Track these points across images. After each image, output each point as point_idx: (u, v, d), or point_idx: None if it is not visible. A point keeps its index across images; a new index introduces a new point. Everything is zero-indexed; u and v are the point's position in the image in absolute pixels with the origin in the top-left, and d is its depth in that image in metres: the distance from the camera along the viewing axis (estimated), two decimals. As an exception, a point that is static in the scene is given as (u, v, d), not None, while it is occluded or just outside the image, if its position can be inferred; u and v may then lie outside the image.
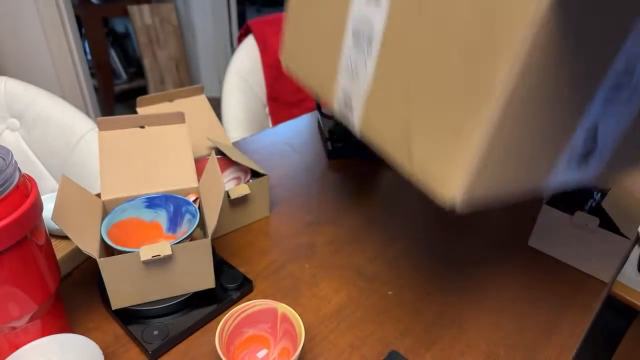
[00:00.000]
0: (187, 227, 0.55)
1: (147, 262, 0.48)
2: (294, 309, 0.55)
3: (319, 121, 1.03)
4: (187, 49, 3.01)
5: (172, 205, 0.57)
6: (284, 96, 1.38)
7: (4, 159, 0.40)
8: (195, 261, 0.51)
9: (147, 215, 0.57)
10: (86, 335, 0.44)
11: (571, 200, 0.69)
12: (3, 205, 0.37)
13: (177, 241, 0.49)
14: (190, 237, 0.53)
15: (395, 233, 0.70)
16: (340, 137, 0.93)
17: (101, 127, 0.58)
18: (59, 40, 1.85)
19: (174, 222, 0.57)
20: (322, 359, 0.50)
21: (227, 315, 0.46)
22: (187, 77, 3.03)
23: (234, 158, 0.68)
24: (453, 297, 0.58)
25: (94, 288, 0.57)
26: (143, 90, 3.03)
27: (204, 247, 0.50)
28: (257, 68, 1.29)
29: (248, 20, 1.34)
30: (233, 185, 0.70)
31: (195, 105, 0.74)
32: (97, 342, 0.43)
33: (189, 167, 0.61)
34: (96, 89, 2.57)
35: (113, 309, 0.50)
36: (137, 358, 0.49)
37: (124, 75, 3.04)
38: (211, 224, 0.50)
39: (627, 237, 0.58)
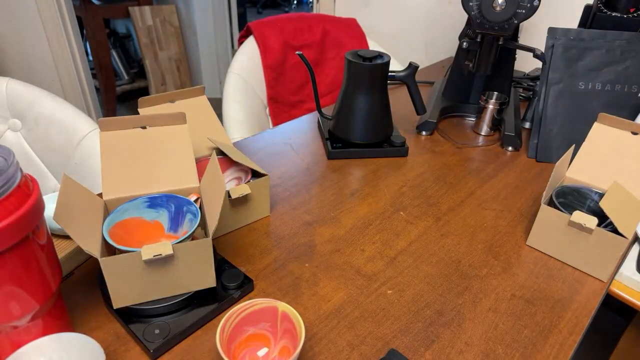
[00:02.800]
0: (188, 226, 0.55)
1: (148, 262, 0.48)
2: (294, 307, 0.55)
3: (319, 121, 1.03)
4: (188, 50, 3.02)
5: (174, 205, 0.57)
6: (284, 97, 1.38)
7: (5, 159, 0.40)
8: (196, 260, 0.51)
9: (149, 215, 0.57)
10: (87, 335, 0.44)
11: (569, 199, 0.70)
12: (5, 205, 0.38)
13: (178, 241, 0.49)
14: (192, 237, 0.53)
15: (394, 232, 0.70)
16: (340, 138, 0.93)
17: (102, 128, 0.59)
18: (61, 41, 1.85)
19: (175, 222, 0.58)
20: (322, 357, 0.50)
21: (227, 314, 0.47)
22: (188, 78, 3.04)
23: (234, 158, 0.68)
24: (452, 296, 0.59)
25: (95, 287, 0.57)
26: (144, 91, 3.04)
27: (205, 246, 0.50)
28: (258, 69, 1.29)
29: (249, 21, 1.34)
30: (234, 185, 0.70)
31: (196, 106, 0.75)
32: (98, 341, 0.43)
33: (190, 167, 0.61)
34: (97, 90, 2.58)
35: (114, 308, 0.50)
36: (139, 357, 0.49)
37: (125, 76, 3.05)
38: (212, 224, 0.50)
39: (625, 237, 0.58)
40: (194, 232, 0.52)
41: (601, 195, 0.67)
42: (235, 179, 0.74)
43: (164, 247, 0.48)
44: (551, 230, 0.64)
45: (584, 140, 0.72)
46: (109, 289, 0.49)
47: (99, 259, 0.46)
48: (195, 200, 0.58)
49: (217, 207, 0.50)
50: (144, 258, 0.47)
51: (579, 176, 0.71)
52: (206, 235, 0.56)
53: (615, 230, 0.59)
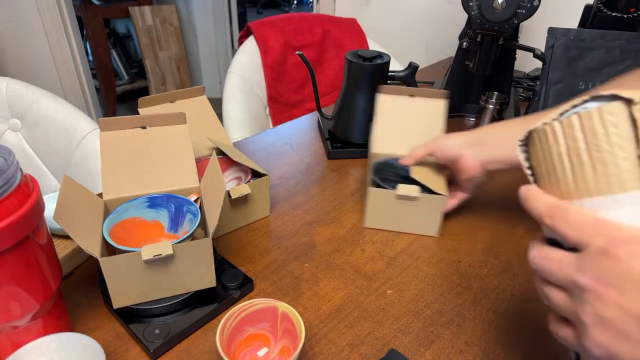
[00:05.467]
0: (188, 226, 0.55)
1: (148, 262, 0.48)
2: (294, 307, 0.55)
3: (319, 121, 1.03)
4: (188, 50, 3.02)
5: (174, 205, 0.57)
6: (285, 97, 1.38)
7: (5, 159, 0.40)
8: (196, 260, 0.51)
9: (149, 214, 0.57)
10: (88, 334, 0.44)
11: (385, 174, 0.71)
12: (5, 205, 0.38)
13: (178, 240, 0.49)
14: (192, 237, 0.53)
15: (394, 233, 0.70)
16: (340, 138, 0.93)
17: (102, 128, 0.59)
18: (61, 41, 1.85)
19: (175, 222, 0.58)
20: (322, 357, 0.50)
21: (227, 314, 0.47)
22: (188, 77, 3.04)
23: (234, 158, 0.68)
24: (452, 296, 0.59)
25: (96, 287, 0.57)
26: (144, 91, 3.04)
27: (204, 246, 0.50)
28: (258, 69, 1.29)
29: (249, 21, 1.34)
30: (234, 185, 0.70)
31: (196, 106, 0.75)
32: (98, 341, 0.43)
33: (190, 167, 0.61)
34: (97, 90, 2.58)
35: (114, 308, 0.50)
36: (139, 357, 0.49)
37: (125, 76, 3.05)
38: (212, 224, 0.50)
39: (444, 195, 0.67)
40: (194, 232, 0.52)
41: None
42: (235, 179, 0.74)
43: (164, 247, 0.48)
44: (383, 207, 0.69)
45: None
46: (109, 289, 0.49)
47: (99, 259, 0.46)
48: (195, 200, 0.58)
49: (217, 207, 0.50)
50: (144, 258, 0.47)
51: (382, 149, 0.76)
52: (206, 235, 0.55)
53: (431, 191, 0.67)
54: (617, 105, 0.27)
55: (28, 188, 0.41)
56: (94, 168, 0.90)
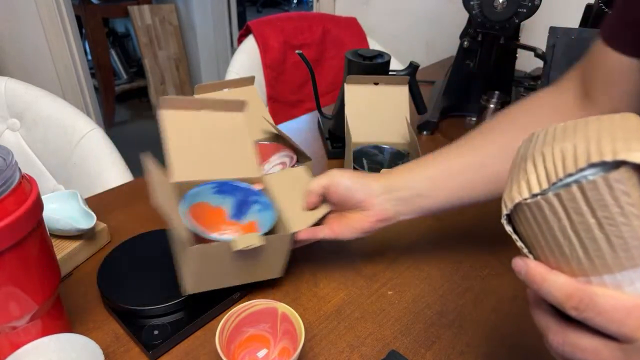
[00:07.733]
0: (253, 217, 0.57)
1: (236, 252, 0.49)
2: (294, 308, 0.55)
3: (319, 121, 1.03)
4: (187, 49, 3.02)
5: (240, 194, 0.58)
6: (284, 96, 1.38)
7: (4, 159, 0.40)
8: (275, 252, 0.53)
9: (214, 200, 0.57)
10: (86, 335, 0.44)
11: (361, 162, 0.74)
12: (3, 205, 0.38)
13: (262, 233, 0.51)
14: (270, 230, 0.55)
15: (395, 233, 0.70)
16: (340, 137, 0.93)
17: (163, 106, 0.57)
18: (60, 41, 1.85)
19: (239, 211, 0.58)
20: (322, 358, 0.50)
21: (227, 314, 0.46)
22: (187, 77, 3.03)
23: (287, 139, 0.72)
24: (453, 297, 0.58)
25: (94, 288, 0.56)
26: (143, 91, 3.04)
27: (285, 240, 0.53)
28: (257, 68, 1.29)
29: (248, 20, 1.34)
30: (279, 169, 0.71)
31: (245, 94, 0.77)
32: (97, 342, 0.43)
33: (251, 156, 0.61)
34: (97, 89, 2.58)
35: (189, 292, 0.51)
36: (138, 358, 0.49)
37: (124, 76, 3.05)
38: (294, 226, 0.53)
39: None
40: (272, 225, 0.54)
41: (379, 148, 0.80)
42: (280, 164, 0.76)
43: (254, 239, 0.49)
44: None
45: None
46: (184, 275, 0.50)
47: (188, 248, 0.46)
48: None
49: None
50: (236, 249, 0.48)
51: (359, 138, 0.80)
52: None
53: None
54: (625, 171, 0.24)
55: (27, 188, 0.41)
56: (92, 168, 0.90)
